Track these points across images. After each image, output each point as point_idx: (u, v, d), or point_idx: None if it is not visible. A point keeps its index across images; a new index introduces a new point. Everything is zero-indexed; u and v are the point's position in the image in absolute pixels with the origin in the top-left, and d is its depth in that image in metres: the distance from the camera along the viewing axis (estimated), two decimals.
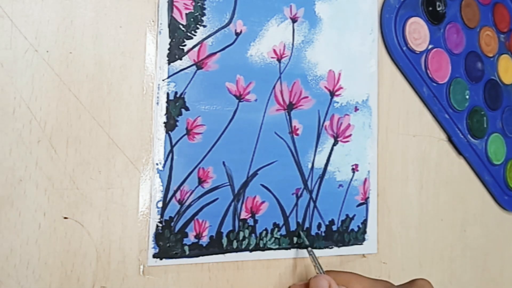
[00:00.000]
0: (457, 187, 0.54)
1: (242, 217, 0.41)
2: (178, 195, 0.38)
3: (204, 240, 0.39)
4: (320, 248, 0.44)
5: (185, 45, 0.39)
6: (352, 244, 0.45)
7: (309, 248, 0.41)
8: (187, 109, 0.39)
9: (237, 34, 0.41)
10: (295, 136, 0.43)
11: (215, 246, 0.39)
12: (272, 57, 0.43)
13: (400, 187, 0.49)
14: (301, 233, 0.42)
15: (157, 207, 0.37)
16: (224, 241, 0.40)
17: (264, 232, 0.41)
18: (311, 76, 0.44)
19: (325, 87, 0.45)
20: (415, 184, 0.50)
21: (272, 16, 0.43)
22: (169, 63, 0.38)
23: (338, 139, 0.45)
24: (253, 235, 0.41)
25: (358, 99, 0.47)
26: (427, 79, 0.51)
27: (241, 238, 0.40)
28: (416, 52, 0.51)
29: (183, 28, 0.39)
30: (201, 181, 0.39)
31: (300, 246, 0.43)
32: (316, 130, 0.44)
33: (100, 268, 0.35)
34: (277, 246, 0.42)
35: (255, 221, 0.41)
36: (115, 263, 0.36)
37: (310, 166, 0.44)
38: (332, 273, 0.41)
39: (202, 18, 0.40)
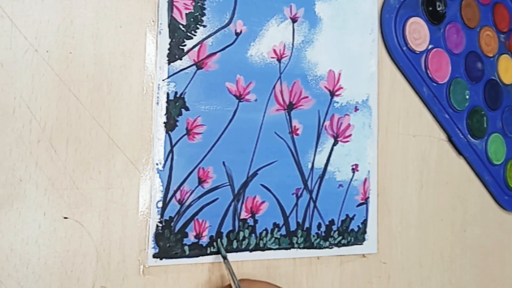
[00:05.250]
0: (457, 187, 0.54)
1: (242, 217, 0.41)
2: (178, 195, 0.38)
3: (204, 240, 0.39)
4: (320, 248, 0.44)
5: (185, 45, 0.39)
6: (352, 244, 0.45)
7: (226, 260, 0.39)
8: (187, 109, 0.39)
9: (237, 34, 0.41)
10: (295, 136, 0.43)
11: (215, 246, 0.39)
12: (272, 57, 0.43)
13: (400, 187, 0.49)
14: (219, 243, 0.40)
15: (157, 207, 0.37)
16: (224, 241, 0.40)
17: (264, 232, 0.41)
18: (311, 76, 0.44)
19: (325, 87, 0.45)
20: (415, 184, 0.50)
21: (272, 16, 0.43)
22: (169, 63, 0.38)
23: (338, 139, 0.45)
24: (253, 235, 0.41)
25: (358, 99, 0.47)
26: (427, 79, 0.51)
27: (241, 238, 0.40)
28: (416, 52, 0.51)
29: (183, 28, 0.39)
30: (201, 181, 0.39)
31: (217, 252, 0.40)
32: (316, 130, 0.44)
33: (100, 268, 0.35)
34: (277, 246, 0.42)
35: (255, 221, 0.41)
36: (115, 263, 0.36)
37: (310, 166, 0.44)
38: (246, 282, 0.39)
39: (202, 18, 0.40)
